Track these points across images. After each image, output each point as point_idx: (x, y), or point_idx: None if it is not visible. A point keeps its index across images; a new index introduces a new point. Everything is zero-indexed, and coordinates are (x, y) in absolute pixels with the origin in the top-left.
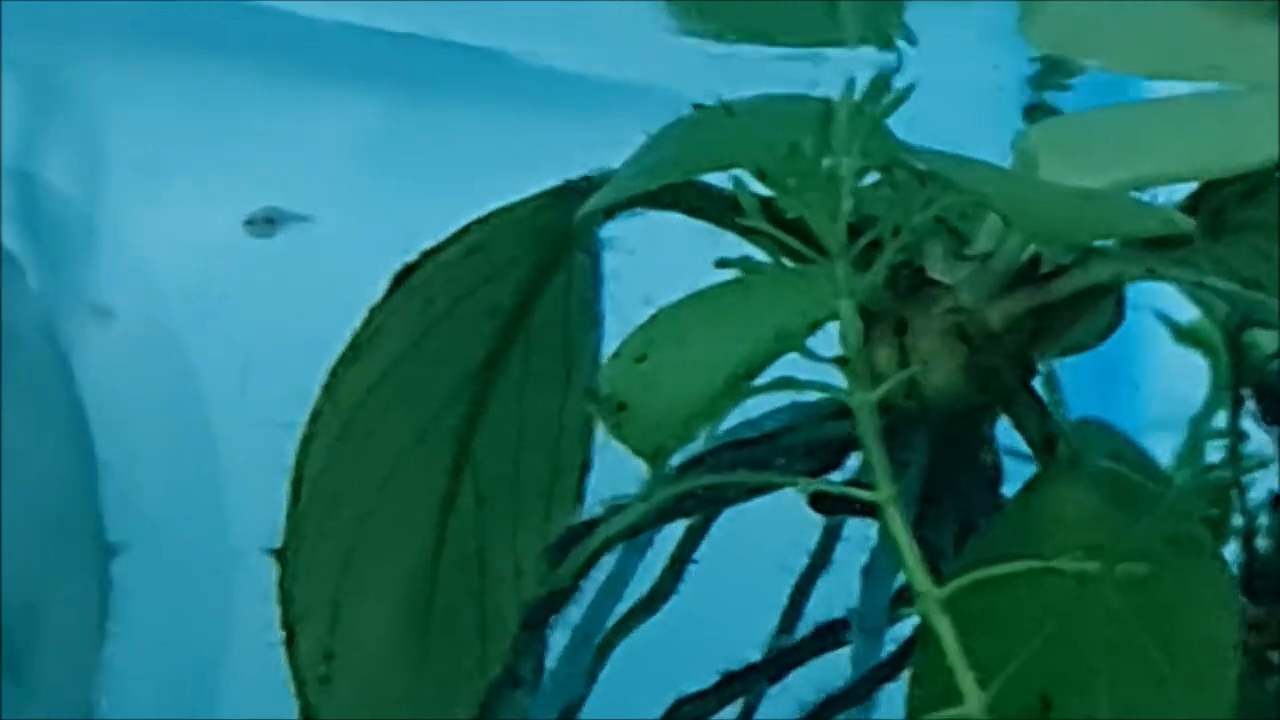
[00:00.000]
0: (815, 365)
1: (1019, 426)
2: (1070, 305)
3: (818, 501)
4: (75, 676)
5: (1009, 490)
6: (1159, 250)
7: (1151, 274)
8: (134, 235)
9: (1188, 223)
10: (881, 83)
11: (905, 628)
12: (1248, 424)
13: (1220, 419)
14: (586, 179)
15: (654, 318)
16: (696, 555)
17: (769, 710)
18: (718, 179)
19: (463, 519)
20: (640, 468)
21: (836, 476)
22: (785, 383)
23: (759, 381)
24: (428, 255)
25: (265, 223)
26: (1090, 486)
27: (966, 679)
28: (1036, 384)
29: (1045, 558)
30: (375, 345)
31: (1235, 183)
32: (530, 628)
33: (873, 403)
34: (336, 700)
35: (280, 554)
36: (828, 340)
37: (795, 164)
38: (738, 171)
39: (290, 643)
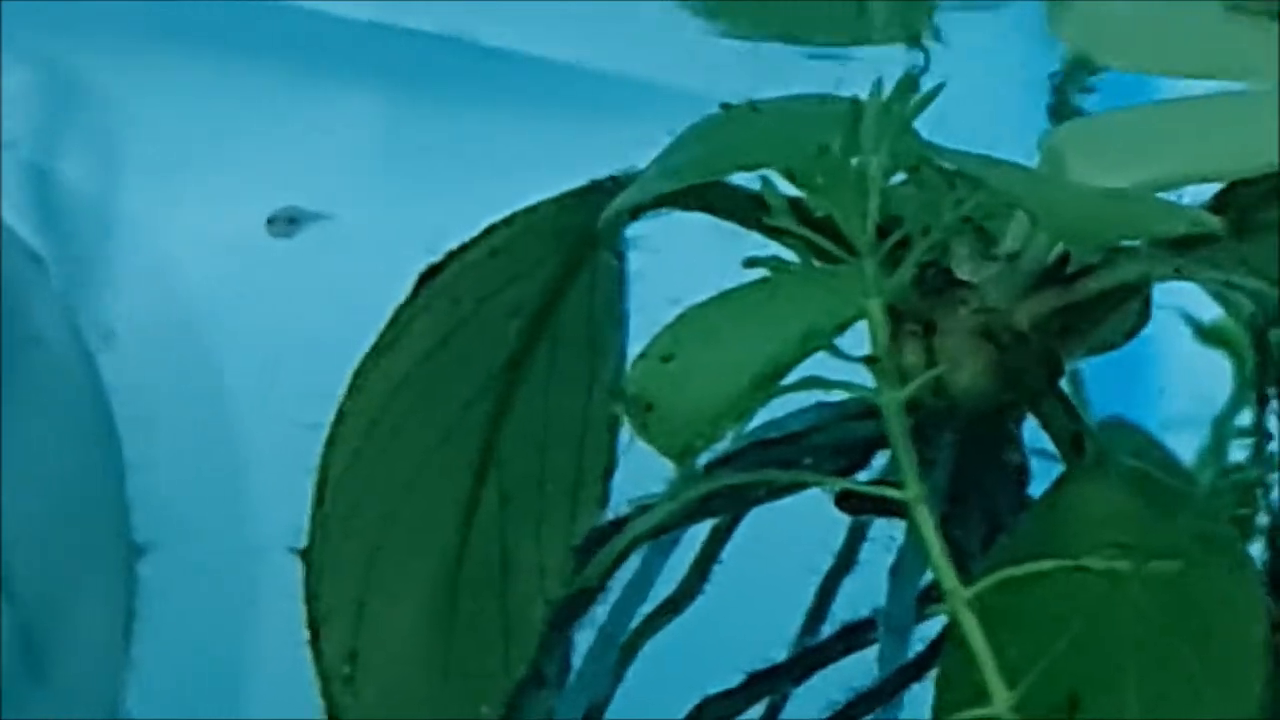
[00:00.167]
0: (840, 365)
1: (1046, 426)
2: (1097, 305)
3: (844, 501)
4: (101, 676)
5: (1035, 490)
6: (1186, 249)
7: (1179, 273)
8: (156, 234)
9: (1215, 222)
10: (910, 82)
11: (931, 628)
12: (1273, 423)
13: (1244, 418)
14: (612, 179)
15: (680, 318)
16: (722, 555)
17: (794, 710)
18: (742, 179)
19: (487, 519)
20: (666, 467)
21: (863, 476)
22: (813, 382)
23: (786, 381)
24: (453, 255)
25: (287, 222)
26: (1118, 486)
27: (994, 678)
28: (1062, 383)
29: (1074, 557)
30: (400, 345)
31: (1261, 182)
32: (556, 627)
33: (901, 402)
34: (361, 699)
35: (305, 553)
36: (853, 340)
37: (824, 164)
38: (765, 171)
39: (315, 642)
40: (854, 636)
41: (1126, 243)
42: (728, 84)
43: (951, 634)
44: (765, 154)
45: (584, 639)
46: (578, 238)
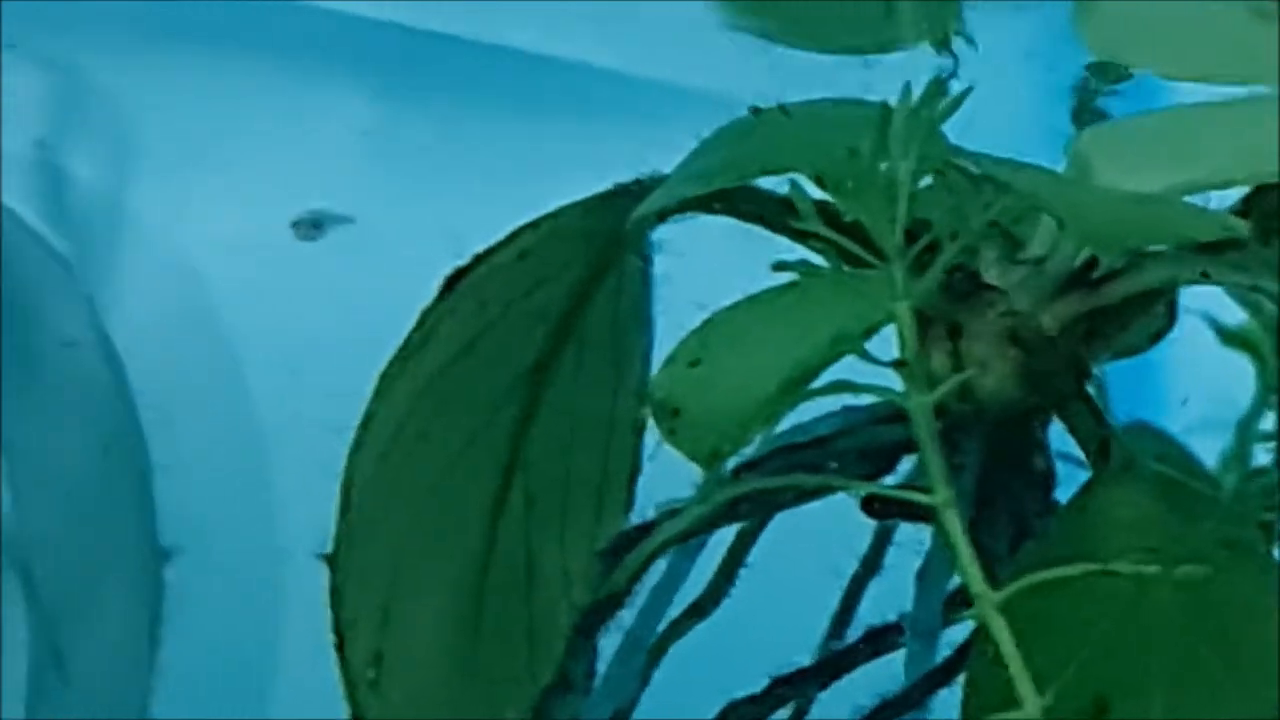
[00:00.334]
0: (864, 368)
1: (1073, 430)
2: (1123, 308)
3: (870, 505)
4: (127, 680)
5: (1061, 495)
6: (1211, 253)
7: (1205, 278)
8: (177, 237)
9: (1242, 227)
10: (938, 86)
11: (956, 633)
12: None
13: (1267, 421)
14: (638, 182)
15: (708, 322)
16: (748, 559)
17: (820, 715)
18: (768, 182)
19: (513, 522)
20: (693, 472)
21: (889, 481)
22: (841, 386)
23: (814, 385)
24: (480, 259)
25: (312, 226)
26: (1145, 490)
27: (1024, 683)
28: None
29: (1102, 562)
30: (427, 349)
31: None
32: (583, 632)
33: (929, 406)
34: (386, 703)
35: (331, 558)
36: (878, 344)
37: (853, 168)
38: (792, 175)
39: (340, 646)
40: (880, 641)
41: (1153, 247)
42: (753, 87)
43: (979, 639)
44: (794, 158)
45: (610, 643)
46: (605, 241)
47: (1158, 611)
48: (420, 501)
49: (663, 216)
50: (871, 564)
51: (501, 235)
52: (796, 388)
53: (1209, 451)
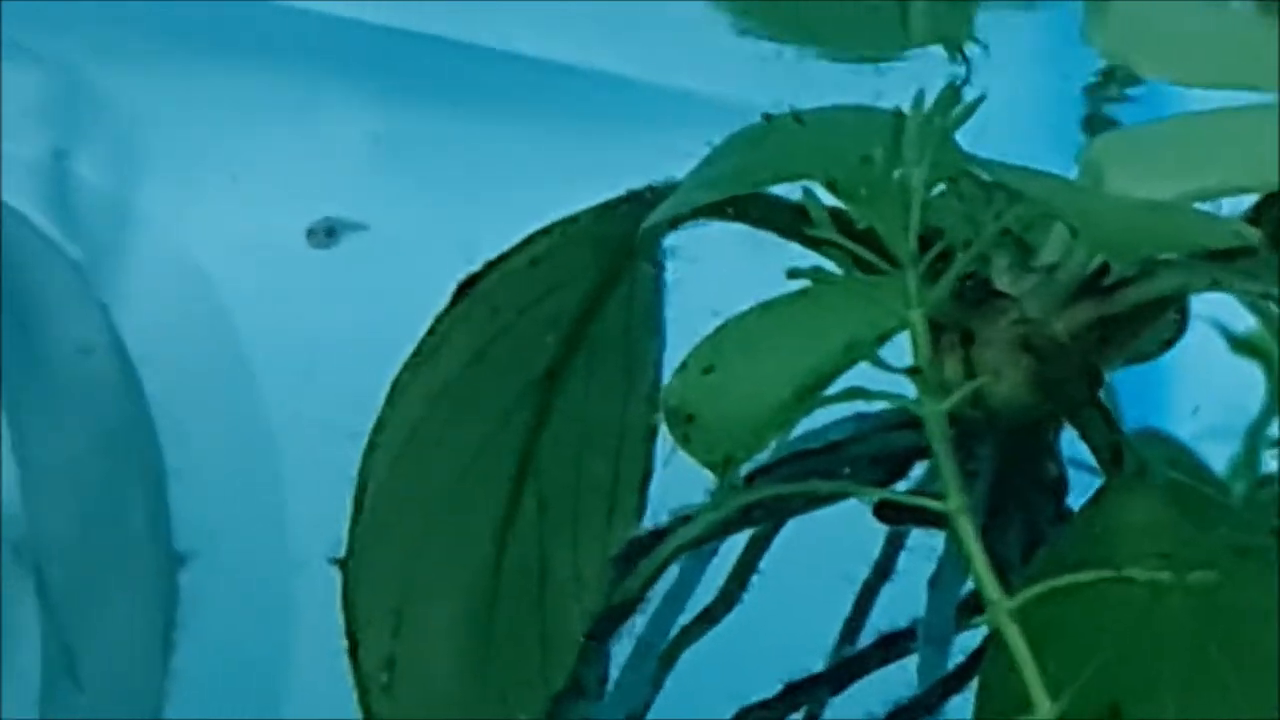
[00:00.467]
0: (875, 374)
1: (1085, 437)
2: (1135, 316)
3: (883, 511)
4: (140, 684)
5: (1073, 501)
6: (1223, 261)
7: (1217, 285)
8: (189, 244)
9: (1255, 234)
10: (951, 94)
11: (970, 639)
12: None
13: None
14: (651, 189)
15: (721, 329)
16: (760, 565)
17: None
18: (781, 189)
19: (525, 527)
20: (705, 477)
21: (901, 486)
22: (855, 393)
23: (828, 392)
24: (492, 265)
25: (325, 234)
26: (1157, 497)
27: (1038, 689)
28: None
29: (1115, 568)
30: (440, 354)
31: None
32: (596, 638)
33: (943, 413)
34: (399, 707)
35: (344, 562)
36: (889, 351)
37: (866, 175)
38: (805, 181)
39: (353, 650)
40: (892, 646)
41: (1164, 254)
42: (766, 94)
43: (992, 645)
44: (807, 164)
45: (622, 649)
46: (617, 248)
47: (1170, 617)
48: (433, 507)
49: (675, 223)
50: (884, 569)
51: (514, 242)
52: (810, 394)
53: (1218, 458)
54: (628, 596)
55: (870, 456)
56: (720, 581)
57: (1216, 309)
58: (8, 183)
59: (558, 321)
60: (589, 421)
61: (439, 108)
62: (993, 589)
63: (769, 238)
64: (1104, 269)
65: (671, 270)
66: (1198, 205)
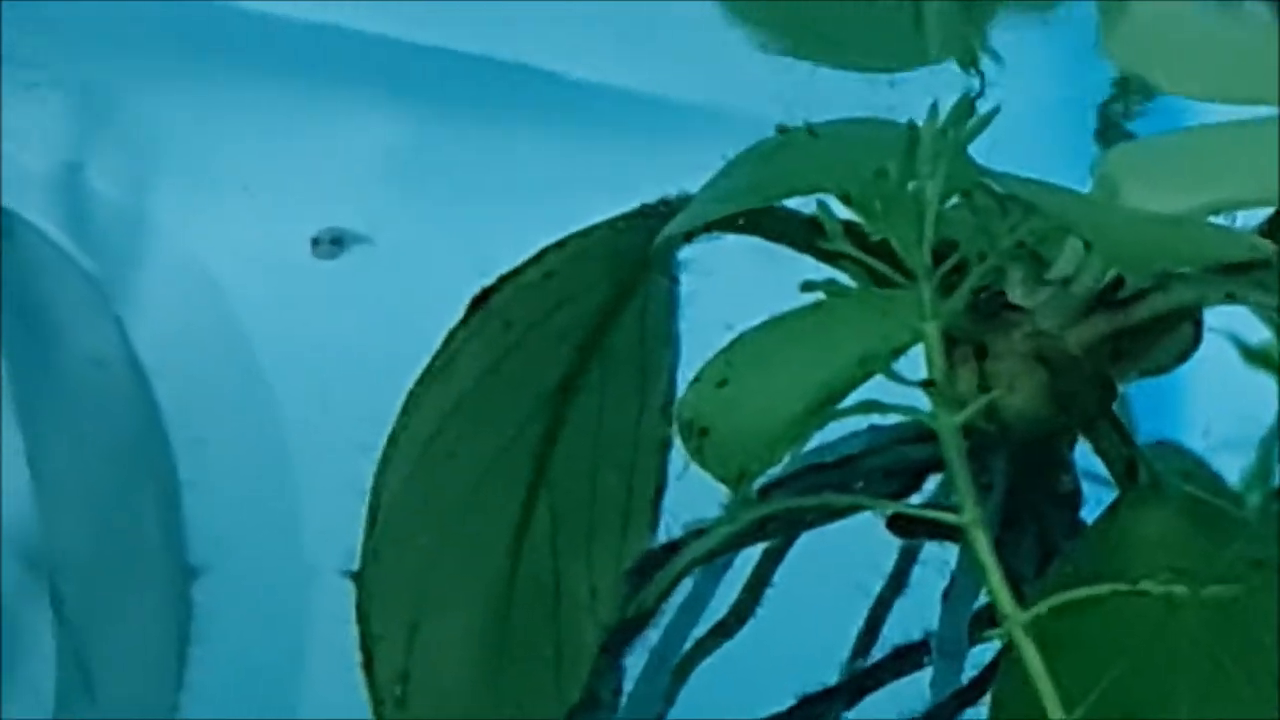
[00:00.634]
0: (888, 387)
1: (1099, 450)
2: (1149, 328)
3: (896, 524)
4: (154, 698)
5: (1086, 514)
6: (1237, 273)
7: (1232, 298)
8: (199, 255)
9: (1269, 247)
10: (966, 106)
11: (981, 652)
12: None
13: None
14: (665, 203)
15: (735, 342)
16: (774, 578)
17: None
18: (794, 201)
19: (538, 541)
20: (719, 490)
21: (914, 499)
22: (869, 406)
23: (842, 405)
24: (505, 279)
25: (331, 243)
26: (1171, 509)
27: (1052, 702)
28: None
29: (1130, 581)
30: (453, 368)
31: None
32: (610, 651)
33: (957, 426)
34: None
35: (358, 575)
36: (905, 364)
37: (880, 188)
38: (819, 195)
39: (367, 664)
40: (905, 659)
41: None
42: (780, 107)
43: (1006, 658)
44: (821, 178)
45: (636, 661)
46: (631, 261)
47: (1184, 631)
48: (447, 520)
49: (689, 236)
50: (897, 582)
51: (528, 255)
52: (824, 408)
53: (1233, 470)
54: (642, 609)
55: (884, 469)
56: (734, 594)
57: (1231, 321)
58: (22, 195)
59: (571, 335)
60: (603, 435)
61: (453, 121)
62: (1007, 602)
63: (783, 251)
64: (1118, 282)
65: (685, 283)
66: (1212, 218)
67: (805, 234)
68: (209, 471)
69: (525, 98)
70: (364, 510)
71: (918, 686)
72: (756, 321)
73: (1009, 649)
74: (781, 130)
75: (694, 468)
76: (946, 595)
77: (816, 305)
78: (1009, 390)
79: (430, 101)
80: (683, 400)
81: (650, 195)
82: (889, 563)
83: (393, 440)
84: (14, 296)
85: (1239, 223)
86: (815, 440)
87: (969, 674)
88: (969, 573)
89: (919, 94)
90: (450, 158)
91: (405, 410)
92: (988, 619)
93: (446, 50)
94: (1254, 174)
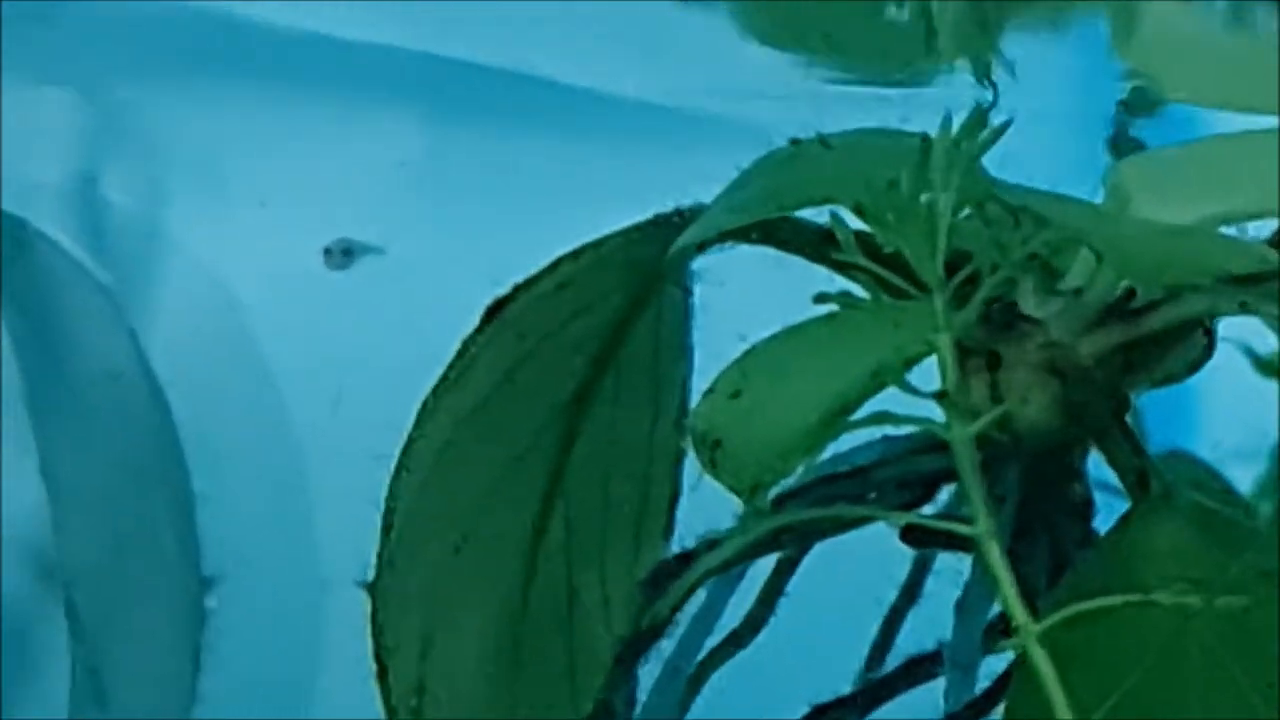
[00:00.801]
0: (904, 398)
1: (1111, 460)
2: (1162, 339)
3: (909, 534)
4: (168, 709)
5: (1099, 524)
6: (1249, 284)
7: (1244, 309)
8: (212, 265)
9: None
10: (979, 118)
11: (994, 662)
12: None
13: None
14: (679, 213)
15: (748, 353)
16: (787, 588)
17: None
18: (807, 211)
19: (553, 551)
20: (732, 501)
21: (927, 509)
22: (882, 417)
23: (856, 416)
24: (520, 289)
25: (342, 254)
26: (1184, 521)
27: (1065, 713)
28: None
29: (1142, 592)
30: (467, 378)
31: None
32: (624, 662)
33: (970, 437)
34: None
35: (372, 586)
36: (918, 375)
37: (893, 199)
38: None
39: (382, 675)
40: (919, 670)
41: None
42: (793, 118)
43: (1019, 669)
44: (834, 189)
45: (650, 672)
46: (645, 271)
47: (1197, 641)
48: (461, 530)
49: (702, 246)
50: (910, 593)
51: (541, 265)
52: (837, 419)
53: (1244, 480)
54: (656, 620)
55: (897, 480)
56: (748, 604)
57: (1243, 332)
58: (37, 207)
59: (585, 345)
60: (617, 445)
61: (465, 131)
62: (1020, 613)
63: (796, 261)
64: (1130, 293)
65: (699, 294)
66: (1223, 229)
67: (818, 245)
68: (223, 482)
69: (537, 107)
70: (378, 520)
71: (931, 697)
72: (770, 332)
73: (1022, 659)
74: (795, 141)
75: (708, 479)
76: (959, 605)
77: (830, 316)
78: (1022, 401)
79: (442, 111)
80: (696, 411)
81: (664, 205)
82: (902, 573)
83: (407, 450)
84: (28, 308)
85: (1250, 234)
86: (828, 451)
87: (982, 684)
88: (982, 583)
89: (932, 105)
90: (463, 167)
91: (420, 420)
92: (1001, 629)
93: (457, 61)
94: (1265, 185)
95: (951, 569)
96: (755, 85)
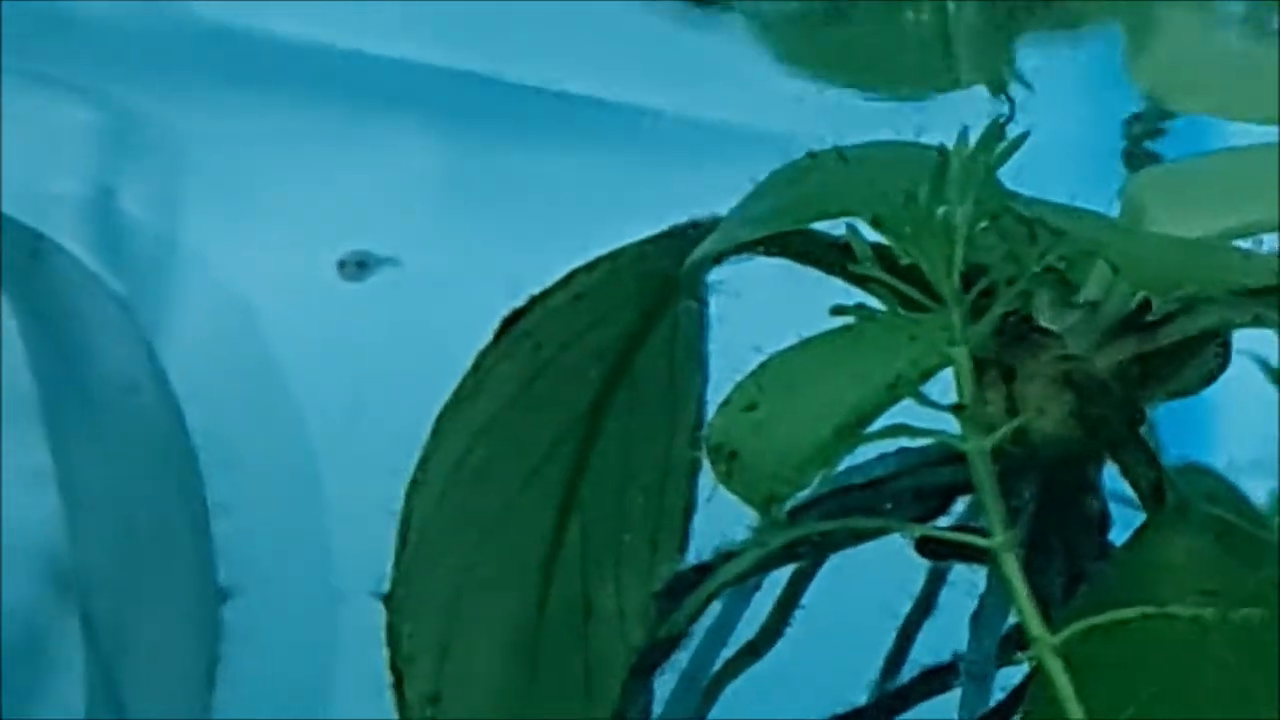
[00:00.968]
0: (919, 410)
1: (1126, 473)
2: (1176, 351)
3: (924, 546)
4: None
5: (1114, 537)
6: (1264, 296)
7: (1258, 321)
8: (228, 278)
9: None
10: (995, 130)
11: (1009, 674)
12: None
13: None
14: (694, 225)
15: (764, 366)
16: (803, 599)
17: None
18: (823, 224)
19: (568, 562)
20: (748, 512)
21: (943, 521)
22: (898, 430)
23: (871, 428)
24: (535, 301)
25: (357, 266)
26: (1199, 532)
27: None
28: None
29: (1158, 605)
30: (483, 390)
31: None
32: (640, 673)
33: (986, 449)
34: None
35: (388, 597)
36: (933, 387)
37: (910, 212)
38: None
39: (398, 686)
40: (934, 681)
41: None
42: (809, 130)
43: (1035, 681)
44: (850, 201)
45: (665, 683)
46: (660, 283)
47: (1213, 654)
48: (477, 541)
49: (718, 259)
50: (925, 604)
51: (557, 277)
52: (853, 432)
53: (1259, 492)
54: (672, 631)
55: (912, 492)
56: (763, 616)
57: (1258, 344)
58: (54, 220)
59: (601, 357)
60: (632, 457)
61: (481, 143)
62: (1036, 624)
63: (812, 273)
64: (1146, 305)
65: (714, 306)
66: (1238, 242)
67: (834, 257)
68: (239, 494)
69: (553, 120)
70: (394, 532)
71: (946, 708)
72: (785, 344)
73: (1037, 671)
74: (811, 154)
75: (723, 490)
76: (975, 617)
77: (846, 329)
78: (1038, 413)
79: (458, 124)
80: (711, 423)
81: (679, 217)
82: (917, 584)
83: (423, 463)
84: (45, 320)
85: (1265, 246)
86: (845, 462)
87: (997, 696)
88: (997, 595)
89: (948, 116)
90: (479, 180)
91: (435, 432)
92: (1016, 641)
93: (473, 74)
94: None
95: (966, 581)
96: (771, 97)
